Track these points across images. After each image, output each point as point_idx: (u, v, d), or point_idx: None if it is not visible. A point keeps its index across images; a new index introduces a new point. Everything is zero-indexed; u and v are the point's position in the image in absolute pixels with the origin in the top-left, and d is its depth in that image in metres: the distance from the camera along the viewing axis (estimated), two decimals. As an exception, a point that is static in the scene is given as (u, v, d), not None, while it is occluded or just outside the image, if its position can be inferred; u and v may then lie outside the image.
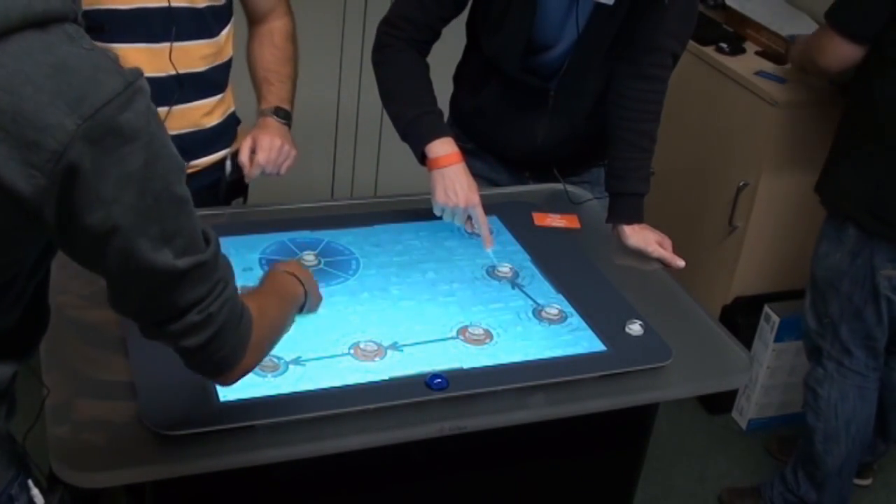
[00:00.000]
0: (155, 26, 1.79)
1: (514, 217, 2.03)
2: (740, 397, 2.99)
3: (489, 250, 1.91)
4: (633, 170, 2.03)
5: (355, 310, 1.70)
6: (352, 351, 1.59)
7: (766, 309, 2.86)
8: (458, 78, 2.25)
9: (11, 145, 0.92)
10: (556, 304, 1.76)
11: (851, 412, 2.45)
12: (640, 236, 2.00)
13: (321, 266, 1.79)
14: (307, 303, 1.45)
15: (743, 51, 2.91)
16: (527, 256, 1.91)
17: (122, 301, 1.09)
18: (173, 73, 1.81)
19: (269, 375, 1.50)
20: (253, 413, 1.42)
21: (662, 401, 1.77)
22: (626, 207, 2.03)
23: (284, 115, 1.98)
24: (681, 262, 1.97)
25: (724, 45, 2.90)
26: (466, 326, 1.68)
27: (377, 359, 1.58)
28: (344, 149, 3.40)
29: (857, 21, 2.22)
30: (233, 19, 1.95)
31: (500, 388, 1.55)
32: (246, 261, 1.77)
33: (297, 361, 1.54)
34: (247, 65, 2.03)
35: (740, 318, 2.90)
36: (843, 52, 2.26)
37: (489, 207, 1.96)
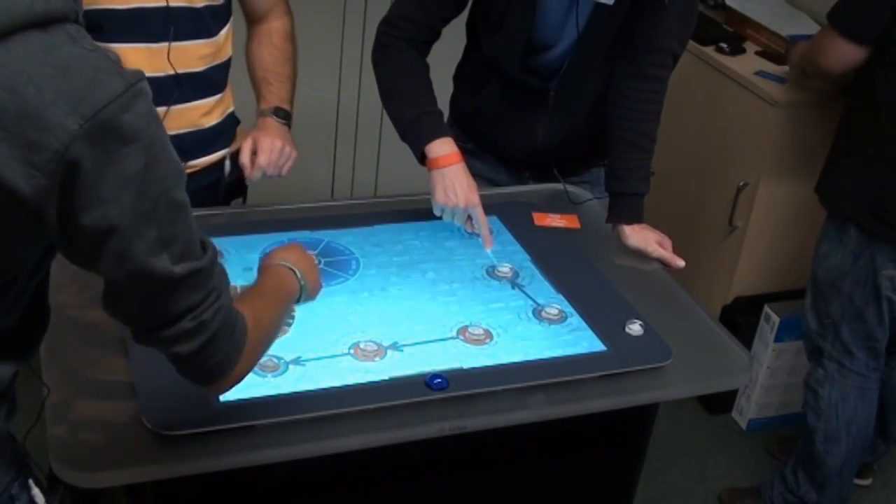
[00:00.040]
0: (153, 26, 1.79)
1: (514, 217, 2.03)
2: (740, 397, 2.99)
3: (489, 250, 1.91)
4: (633, 170, 2.03)
5: (355, 310, 1.70)
6: (352, 351, 1.59)
7: (766, 309, 2.86)
8: (458, 78, 2.25)
9: (13, 145, 0.93)
10: (556, 304, 1.76)
11: (852, 412, 2.45)
12: (640, 236, 2.00)
13: (321, 266, 1.79)
14: (304, 294, 1.41)
15: (743, 51, 2.91)
16: (527, 256, 1.91)
17: (117, 304, 1.09)
18: (172, 72, 1.81)
19: (269, 375, 1.50)
20: (253, 413, 1.42)
21: (662, 401, 1.76)
22: (626, 207, 2.03)
23: (284, 116, 1.98)
24: (681, 262, 1.97)
25: (724, 45, 2.90)
26: (466, 326, 1.68)
27: (377, 359, 1.58)
28: (344, 149, 3.40)
29: (859, 22, 2.22)
30: (232, 19, 1.95)
31: (500, 388, 1.55)
32: (246, 261, 1.77)
33: (297, 361, 1.54)
34: (245, 65, 2.03)
35: (740, 318, 2.90)
36: (845, 54, 2.25)
37: (489, 207, 1.96)
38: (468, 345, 1.64)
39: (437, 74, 2.03)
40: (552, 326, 1.71)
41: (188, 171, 1.89)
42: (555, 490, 1.77)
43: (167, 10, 1.78)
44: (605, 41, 1.97)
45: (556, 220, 2.05)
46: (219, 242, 1.77)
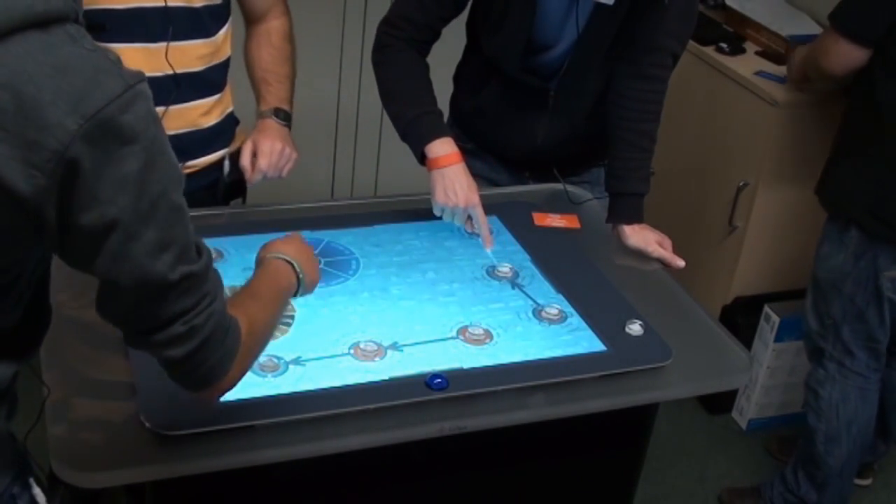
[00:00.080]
0: (151, 26, 1.78)
1: (514, 217, 2.03)
2: (740, 397, 2.99)
3: (489, 250, 1.91)
4: (633, 170, 2.03)
5: (355, 310, 1.70)
6: (352, 351, 1.59)
7: (766, 309, 2.86)
8: (458, 78, 2.25)
9: (12, 145, 0.93)
10: (556, 304, 1.76)
11: (853, 413, 2.45)
12: (640, 236, 2.00)
13: (321, 266, 1.79)
14: (301, 287, 1.40)
15: (743, 51, 2.91)
16: (527, 256, 1.91)
17: (110, 305, 1.08)
18: (170, 72, 1.81)
19: (269, 375, 1.50)
20: (253, 413, 1.42)
21: (662, 401, 1.76)
22: (626, 207, 2.03)
23: (284, 117, 1.98)
24: (681, 262, 1.97)
25: (724, 45, 2.90)
26: (466, 326, 1.68)
27: (377, 359, 1.58)
28: (344, 149, 3.40)
29: (861, 23, 2.21)
30: (231, 19, 1.95)
31: (500, 388, 1.55)
32: (246, 261, 1.76)
33: (297, 361, 1.54)
34: (244, 65, 2.03)
35: (740, 318, 2.90)
36: (847, 55, 2.24)
37: (489, 207, 1.96)
38: (468, 345, 1.64)
39: (437, 74, 2.03)
40: (552, 326, 1.71)
41: (187, 171, 1.90)
42: (555, 490, 1.77)
43: (165, 10, 1.78)
44: (605, 41, 1.97)
45: (556, 220, 2.05)
46: (218, 242, 1.80)
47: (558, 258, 1.91)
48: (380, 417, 1.48)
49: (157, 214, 1.01)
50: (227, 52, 1.96)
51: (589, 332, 1.70)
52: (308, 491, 1.59)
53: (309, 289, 1.42)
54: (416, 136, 1.94)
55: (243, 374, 1.19)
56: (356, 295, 1.74)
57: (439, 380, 1.54)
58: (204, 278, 1.09)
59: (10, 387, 1.18)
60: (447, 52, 2.15)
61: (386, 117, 2.05)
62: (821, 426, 2.47)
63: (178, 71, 1.82)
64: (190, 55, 1.85)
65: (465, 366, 1.59)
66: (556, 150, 2.14)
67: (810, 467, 2.51)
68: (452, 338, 1.65)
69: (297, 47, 2.06)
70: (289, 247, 1.40)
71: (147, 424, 1.38)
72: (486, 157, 2.21)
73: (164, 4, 1.77)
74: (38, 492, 1.23)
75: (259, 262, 1.39)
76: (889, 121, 2.21)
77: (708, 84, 2.90)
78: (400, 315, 1.70)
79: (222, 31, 1.91)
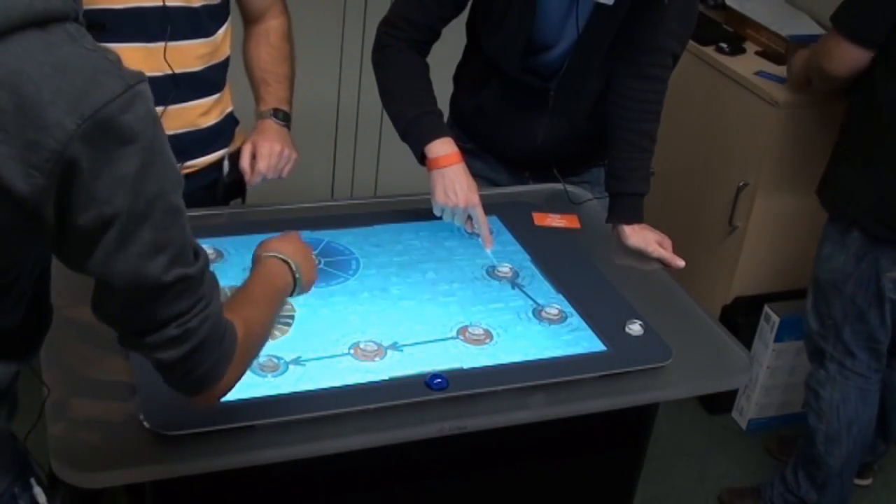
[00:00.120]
0: (150, 26, 1.78)
1: (514, 217, 2.03)
2: (740, 397, 2.99)
3: (489, 250, 1.91)
4: (633, 170, 2.03)
5: (355, 310, 1.70)
6: (352, 351, 1.59)
7: (766, 309, 2.86)
8: (458, 78, 2.25)
9: (11, 145, 0.92)
10: (556, 304, 1.76)
11: (853, 414, 2.44)
12: (640, 236, 2.00)
13: (321, 266, 1.79)
14: (298, 287, 1.38)
15: (743, 51, 2.91)
16: (527, 256, 1.91)
17: (104, 306, 1.08)
18: (169, 72, 1.81)
19: (269, 375, 1.50)
20: (253, 413, 1.42)
21: (662, 401, 1.76)
22: (625, 207, 2.03)
23: (283, 117, 1.98)
24: (681, 262, 1.97)
25: (724, 45, 2.90)
26: (466, 326, 1.68)
27: (377, 359, 1.58)
28: (344, 149, 3.40)
29: (864, 24, 2.20)
30: (230, 18, 1.95)
31: (500, 388, 1.55)
32: (245, 261, 1.75)
33: (297, 361, 1.54)
34: (243, 65, 2.03)
35: (740, 318, 2.90)
36: (850, 57, 2.23)
37: (489, 207, 1.96)
38: (468, 345, 1.64)
39: (437, 74, 2.03)
40: (552, 326, 1.71)
41: (186, 171, 1.90)
42: (555, 490, 1.77)
43: (164, 10, 1.78)
44: (605, 41, 1.97)
45: (556, 220, 2.05)
46: (218, 242, 1.80)
47: (558, 258, 1.91)
48: (380, 417, 1.48)
49: (153, 215, 1.00)
50: (226, 51, 1.96)
51: (589, 332, 1.70)
52: (308, 491, 1.59)
53: (306, 288, 1.41)
54: (416, 136, 1.94)
55: (239, 379, 1.18)
56: (356, 295, 1.74)
57: (439, 380, 1.53)
58: (200, 282, 1.08)
59: (11, 387, 1.18)
60: (447, 52, 2.15)
61: (386, 117, 2.05)
62: (821, 427, 2.47)
63: (177, 71, 1.82)
64: (189, 55, 1.85)
65: (465, 366, 1.59)
66: (556, 150, 2.14)
67: (810, 468, 2.51)
68: (452, 338, 1.65)
69: (297, 47, 2.06)
70: (286, 245, 1.39)
71: (147, 424, 1.38)
72: (486, 157, 2.21)
73: (162, 4, 1.77)
74: (38, 491, 1.23)
75: (255, 260, 1.38)
76: (891, 122, 2.20)
77: (708, 84, 2.90)
78: (400, 315, 1.70)
79: (221, 31, 1.91)
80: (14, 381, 1.18)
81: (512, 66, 2.04)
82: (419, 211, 1.99)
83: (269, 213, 1.98)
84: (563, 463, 1.75)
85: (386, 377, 1.54)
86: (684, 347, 1.70)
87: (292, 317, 1.64)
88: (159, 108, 1.76)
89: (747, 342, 2.84)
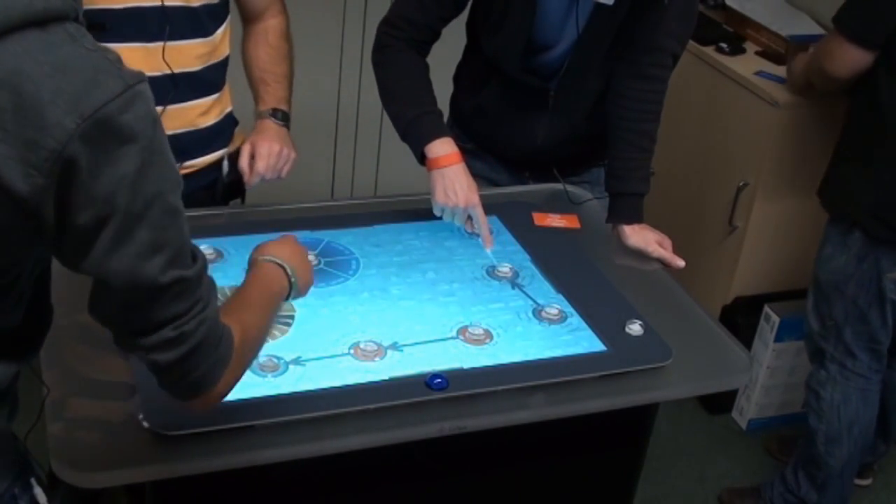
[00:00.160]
0: (149, 25, 1.78)
1: (514, 217, 2.03)
2: (740, 397, 2.99)
3: (489, 250, 1.91)
4: (633, 170, 2.03)
5: (355, 310, 1.70)
6: (352, 351, 1.59)
7: (766, 309, 2.86)
8: (458, 78, 2.25)
9: (11, 144, 0.92)
10: (556, 304, 1.76)
11: (854, 414, 2.44)
12: (640, 236, 2.00)
13: (321, 266, 1.79)
14: (294, 291, 1.37)
15: (743, 51, 2.91)
16: (527, 256, 1.91)
17: (101, 306, 1.07)
18: (168, 72, 1.81)
19: (269, 375, 1.50)
20: (253, 413, 1.42)
21: (662, 401, 1.76)
22: (625, 207, 2.03)
23: (282, 117, 1.97)
24: (681, 262, 1.97)
25: (724, 45, 2.90)
26: (466, 326, 1.68)
27: (377, 359, 1.58)
28: (344, 149, 3.40)
29: (866, 26, 2.19)
30: (229, 18, 1.95)
31: (500, 388, 1.55)
32: (245, 261, 1.76)
33: (297, 361, 1.54)
34: (242, 65, 2.03)
35: (740, 318, 2.89)
36: (852, 58, 2.22)
37: (489, 207, 1.96)
38: (468, 345, 1.64)
39: (437, 74, 2.03)
40: (552, 326, 1.71)
41: (186, 171, 1.90)
42: (555, 490, 1.77)
43: (163, 10, 1.78)
44: (605, 41, 1.97)
45: (556, 220, 2.05)
46: (218, 242, 1.80)
47: (558, 258, 1.91)
48: (380, 417, 1.48)
49: (151, 215, 1.00)
50: (225, 51, 1.95)
51: (589, 332, 1.70)
52: (308, 491, 1.59)
53: (302, 292, 1.40)
54: (416, 136, 1.94)
55: (235, 384, 1.18)
56: (356, 295, 1.74)
57: (439, 380, 1.53)
58: (197, 284, 1.08)
59: (11, 387, 1.18)
60: (447, 52, 2.15)
61: (386, 117, 2.05)
62: (822, 427, 2.47)
63: (176, 70, 1.82)
64: (187, 55, 1.85)
65: (465, 366, 1.59)
66: (556, 150, 2.14)
67: (811, 468, 2.51)
68: (452, 338, 1.65)
69: (297, 47, 2.06)
70: (281, 249, 1.38)
71: (147, 424, 1.38)
72: (486, 157, 2.21)
73: (161, 4, 1.77)
74: (38, 491, 1.23)
75: (251, 263, 1.37)
76: (892, 123, 2.20)
77: (708, 84, 2.90)
78: (400, 315, 1.70)
79: (220, 31, 1.91)
80: (14, 381, 1.18)
81: (512, 66, 2.04)
82: (419, 211, 1.99)
83: (269, 214, 1.98)
84: (563, 463, 1.75)
85: (386, 377, 1.54)
86: (684, 347, 1.70)
87: (292, 317, 1.64)
88: (158, 108, 1.76)
89: (747, 342, 2.84)
